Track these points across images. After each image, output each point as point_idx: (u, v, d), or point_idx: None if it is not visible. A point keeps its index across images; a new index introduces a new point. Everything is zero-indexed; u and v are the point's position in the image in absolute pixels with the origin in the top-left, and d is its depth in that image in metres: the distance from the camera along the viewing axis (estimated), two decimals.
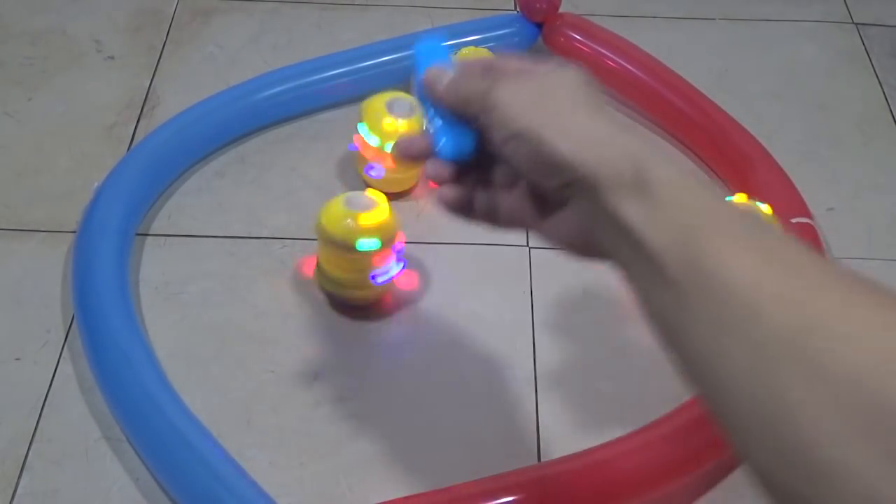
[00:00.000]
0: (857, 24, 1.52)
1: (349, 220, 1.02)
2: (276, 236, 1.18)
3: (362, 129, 1.16)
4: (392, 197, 1.15)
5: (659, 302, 0.57)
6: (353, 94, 1.34)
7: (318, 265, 1.09)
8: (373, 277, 1.06)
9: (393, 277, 1.08)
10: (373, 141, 1.15)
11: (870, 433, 0.46)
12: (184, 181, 1.23)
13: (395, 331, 1.09)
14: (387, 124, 1.14)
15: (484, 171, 0.71)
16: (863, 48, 1.48)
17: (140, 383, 0.97)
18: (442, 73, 0.69)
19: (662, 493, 0.93)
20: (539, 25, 1.38)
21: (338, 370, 1.05)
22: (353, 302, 1.10)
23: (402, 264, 1.09)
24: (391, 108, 1.15)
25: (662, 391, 1.03)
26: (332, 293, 1.10)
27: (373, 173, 1.18)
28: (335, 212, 1.04)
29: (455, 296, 1.13)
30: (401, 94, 1.17)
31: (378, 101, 1.16)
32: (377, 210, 1.04)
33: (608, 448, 0.93)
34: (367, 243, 1.02)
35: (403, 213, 1.21)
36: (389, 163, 1.16)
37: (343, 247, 1.03)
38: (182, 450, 0.92)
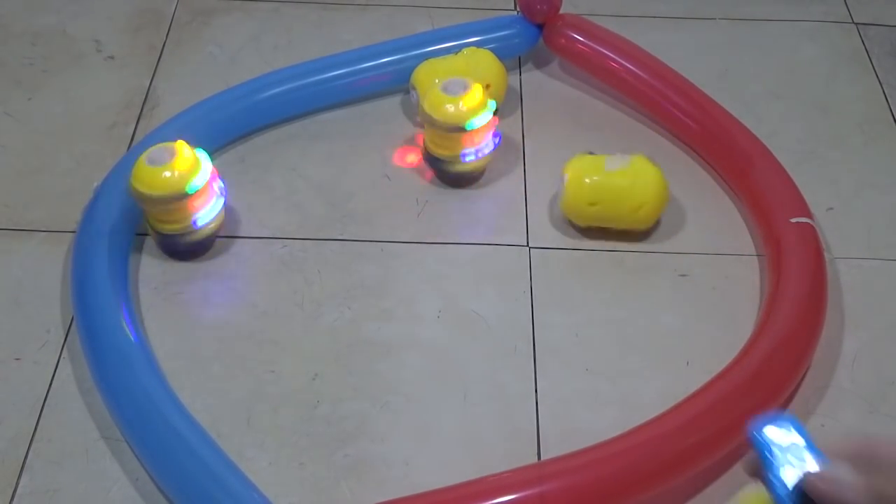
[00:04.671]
0: (857, 24, 1.52)
1: (167, 173, 1.07)
2: (276, 236, 1.18)
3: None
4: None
5: None
6: (353, 94, 1.34)
7: (147, 221, 1.13)
8: (194, 223, 1.11)
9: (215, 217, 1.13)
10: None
11: None
12: None
13: (394, 331, 1.09)
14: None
15: None
16: (863, 48, 1.48)
17: (138, 384, 0.97)
18: (833, 478, 0.65)
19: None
20: (540, 26, 1.38)
21: (338, 370, 1.05)
22: (188, 247, 1.13)
23: (223, 199, 1.14)
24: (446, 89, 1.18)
25: (662, 391, 1.03)
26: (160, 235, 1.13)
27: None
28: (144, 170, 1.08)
29: (455, 296, 1.13)
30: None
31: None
32: (178, 160, 1.07)
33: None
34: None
35: (404, 213, 1.21)
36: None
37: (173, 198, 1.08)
38: (179, 451, 0.92)
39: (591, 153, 1.17)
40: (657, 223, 1.19)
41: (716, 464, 0.97)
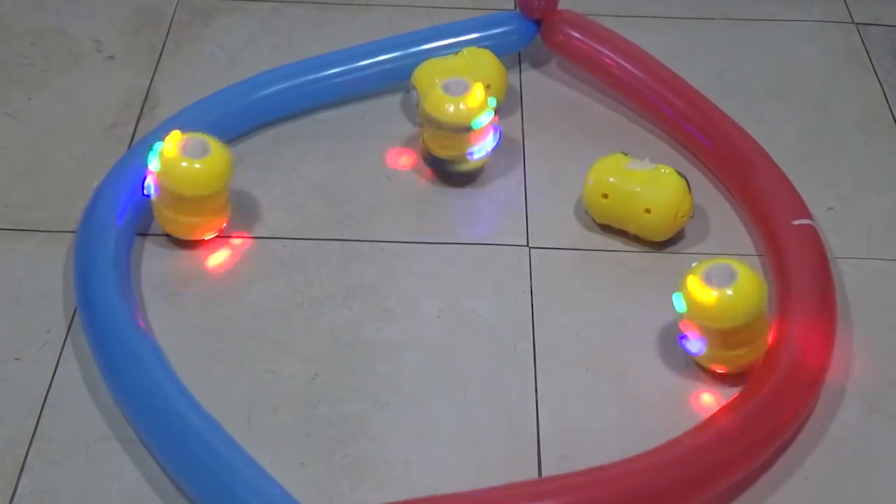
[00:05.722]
0: (857, 24, 1.52)
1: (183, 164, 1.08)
2: (276, 236, 1.18)
3: None
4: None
5: None
6: (352, 92, 1.34)
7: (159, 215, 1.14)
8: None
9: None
10: None
11: None
12: None
13: (394, 331, 1.09)
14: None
15: None
16: (863, 48, 1.48)
17: (151, 380, 0.97)
18: None
19: None
20: (537, 23, 1.37)
21: (338, 370, 1.05)
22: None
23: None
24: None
25: (662, 393, 1.03)
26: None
27: None
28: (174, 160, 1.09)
29: (455, 296, 1.13)
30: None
31: None
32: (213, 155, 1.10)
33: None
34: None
35: (404, 213, 1.21)
36: None
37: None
38: (196, 445, 0.92)
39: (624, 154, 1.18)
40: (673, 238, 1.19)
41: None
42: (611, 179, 1.15)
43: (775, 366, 1.00)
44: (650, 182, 1.14)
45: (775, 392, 0.98)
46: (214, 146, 1.10)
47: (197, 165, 1.08)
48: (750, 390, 0.99)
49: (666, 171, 1.15)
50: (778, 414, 0.97)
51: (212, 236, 1.16)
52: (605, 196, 1.15)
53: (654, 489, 0.91)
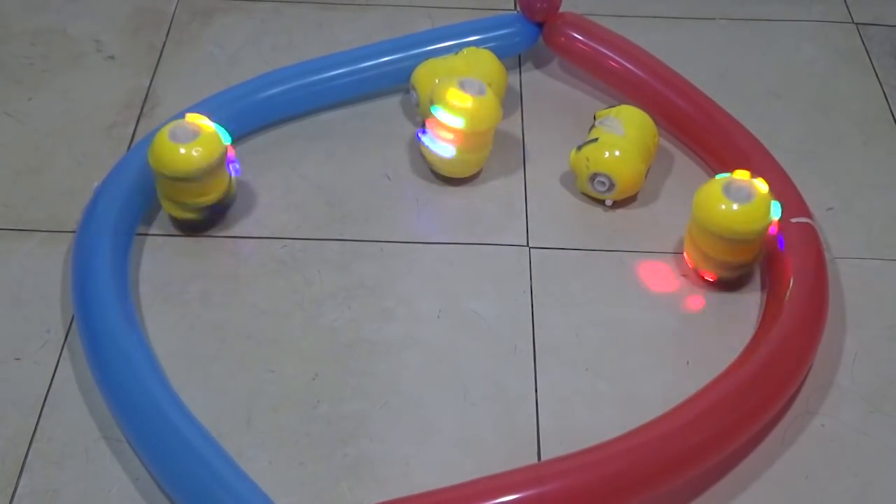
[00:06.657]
0: (857, 24, 1.52)
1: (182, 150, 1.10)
2: (275, 236, 1.18)
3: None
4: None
5: None
6: (353, 94, 1.34)
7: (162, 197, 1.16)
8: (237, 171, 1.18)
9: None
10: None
11: None
12: None
13: (394, 331, 1.09)
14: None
15: None
16: (863, 48, 1.48)
17: (139, 383, 0.97)
18: None
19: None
20: (539, 25, 1.38)
21: (338, 370, 1.05)
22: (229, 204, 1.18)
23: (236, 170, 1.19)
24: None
25: (662, 391, 1.03)
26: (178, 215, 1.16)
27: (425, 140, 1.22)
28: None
29: (455, 296, 1.13)
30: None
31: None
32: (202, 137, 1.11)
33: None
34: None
35: (404, 213, 1.21)
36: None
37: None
38: (180, 449, 0.92)
39: (590, 141, 1.21)
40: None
41: (715, 466, 0.97)
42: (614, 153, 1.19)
43: (757, 355, 1.02)
44: (638, 120, 1.24)
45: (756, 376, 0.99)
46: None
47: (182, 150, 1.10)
48: (730, 376, 1.01)
49: (624, 108, 1.25)
50: (757, 395, 0.99)
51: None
52: (647, 161, 1.23)
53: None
